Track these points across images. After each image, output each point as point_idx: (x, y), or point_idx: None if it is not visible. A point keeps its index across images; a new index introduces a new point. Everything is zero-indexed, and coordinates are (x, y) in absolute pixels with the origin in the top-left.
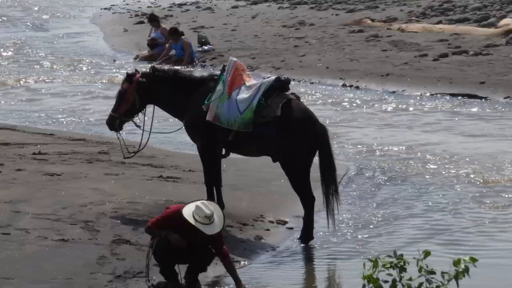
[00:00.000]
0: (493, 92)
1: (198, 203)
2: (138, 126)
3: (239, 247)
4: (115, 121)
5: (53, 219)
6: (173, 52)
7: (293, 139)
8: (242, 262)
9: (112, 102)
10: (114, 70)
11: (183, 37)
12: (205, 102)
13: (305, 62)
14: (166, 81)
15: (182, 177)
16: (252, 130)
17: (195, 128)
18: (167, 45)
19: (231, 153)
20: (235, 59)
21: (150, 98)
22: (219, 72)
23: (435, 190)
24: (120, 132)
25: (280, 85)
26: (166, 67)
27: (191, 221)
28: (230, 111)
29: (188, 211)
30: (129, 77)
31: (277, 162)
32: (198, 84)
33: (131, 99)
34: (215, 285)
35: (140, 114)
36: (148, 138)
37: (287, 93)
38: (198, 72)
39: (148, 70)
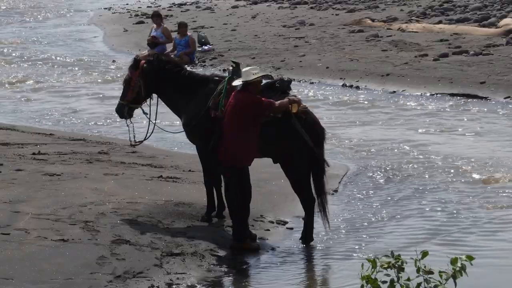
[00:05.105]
0: (494, 92)
1: (245, 71)
2: (146, 114)
3: None
4: (124, 109)
5: (52, 219)
6: (174, 52)
7: (293, 139)
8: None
9: (112, 102)
10: (113, 71)
11: (189, 34)
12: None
13: (305, 62)
14: (167, 73)
15: (182, 177)
16: None
17: (195, 129)
18: (167, 44)
19: None
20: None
21: (153, 87)
22: (223, 73)
23: (435, 190)
24: (130, 119)
25: (281, 87)
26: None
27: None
28: None
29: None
30: (135, 63)
31: (277, 163)
32: (199, 84)
33: (137, 85)
34: (215, 285)
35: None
36: (153, 128)
37: (288, 95)
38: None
39: (152, 58)
